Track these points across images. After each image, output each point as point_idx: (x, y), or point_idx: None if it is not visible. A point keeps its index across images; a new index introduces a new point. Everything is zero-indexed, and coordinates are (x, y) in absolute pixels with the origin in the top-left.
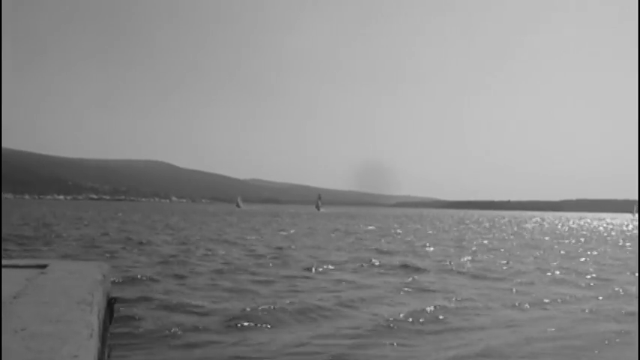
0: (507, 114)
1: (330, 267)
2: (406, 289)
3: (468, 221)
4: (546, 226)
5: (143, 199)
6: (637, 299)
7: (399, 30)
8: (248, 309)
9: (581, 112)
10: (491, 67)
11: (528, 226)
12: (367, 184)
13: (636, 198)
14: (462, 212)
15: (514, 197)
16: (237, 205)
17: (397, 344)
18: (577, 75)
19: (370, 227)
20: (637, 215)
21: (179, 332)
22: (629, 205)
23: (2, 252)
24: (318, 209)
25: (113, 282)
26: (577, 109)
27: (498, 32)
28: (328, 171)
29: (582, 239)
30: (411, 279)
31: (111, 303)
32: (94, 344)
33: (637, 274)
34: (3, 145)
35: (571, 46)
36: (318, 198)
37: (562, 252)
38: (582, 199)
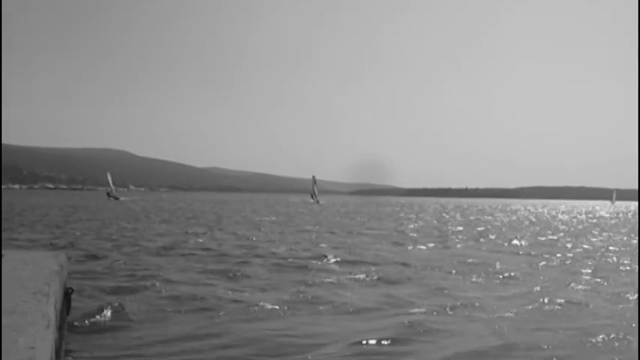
0: (469, 102)
1: None
2: None
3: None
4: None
5: (100, 188)
6: (637, 295)
7: (362, 19)
8: None
9: (542, 101)
10: (454, 56)
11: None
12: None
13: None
14: (418, 200)
15: (472, 185)
16: (109, 194)
17: None
18: (537, 65)
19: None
20: (615, 202)
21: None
22: (585, 193)
23: None
24: (317, 201)
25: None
26: (537, 99)
27: (465, 20)
28: (290, 159)
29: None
30: None
31: (68, 293)
32: (51, 335)
33: (637, 269)
34: None
35: (533, 35)
36: (313, 183)
37: None
38: (538, 186)
